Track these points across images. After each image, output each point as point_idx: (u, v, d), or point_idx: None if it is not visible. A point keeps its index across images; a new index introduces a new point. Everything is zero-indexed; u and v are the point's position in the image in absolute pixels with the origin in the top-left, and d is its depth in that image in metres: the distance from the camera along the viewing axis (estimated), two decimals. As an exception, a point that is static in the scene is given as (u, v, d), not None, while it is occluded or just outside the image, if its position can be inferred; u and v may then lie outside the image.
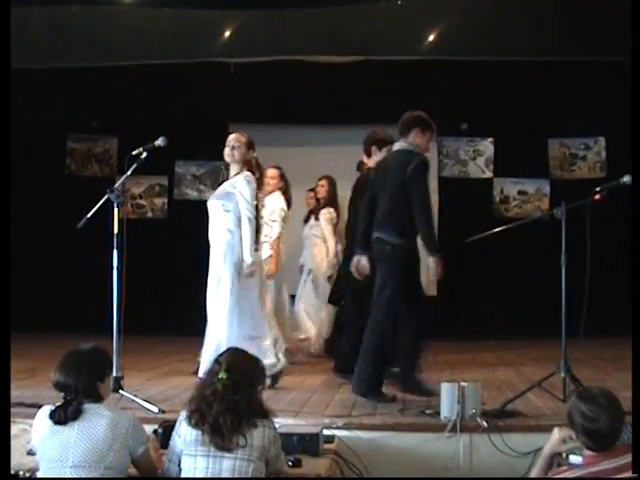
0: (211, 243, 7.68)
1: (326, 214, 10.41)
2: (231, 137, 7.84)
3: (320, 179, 10.84)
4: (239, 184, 7.60)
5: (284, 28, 10.01)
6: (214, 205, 7.67)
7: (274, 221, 9.33)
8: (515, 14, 9.73)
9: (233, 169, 7.80)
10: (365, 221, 7.45)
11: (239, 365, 4.59)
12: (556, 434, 4.66)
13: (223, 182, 7.98)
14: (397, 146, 7.65)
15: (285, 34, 10.05)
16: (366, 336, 7.14)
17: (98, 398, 4.61)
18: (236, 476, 4.43)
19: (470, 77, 11.72)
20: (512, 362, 9.85)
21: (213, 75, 11.88)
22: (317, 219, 10.61)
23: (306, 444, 5.36)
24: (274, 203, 9.45)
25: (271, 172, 9.62)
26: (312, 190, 11.21)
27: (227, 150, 7.75)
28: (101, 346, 4.97)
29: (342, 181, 13.08)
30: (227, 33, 10.14)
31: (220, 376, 4.52)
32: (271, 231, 9.27)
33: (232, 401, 4.47)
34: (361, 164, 9.04)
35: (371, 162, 8.38)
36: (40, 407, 4.76)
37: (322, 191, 10.64)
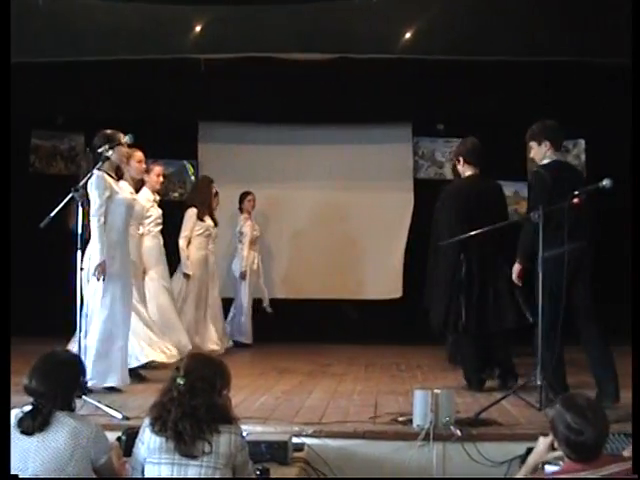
0: None
1: None
2: None
3: None
4: None
5: (256, 24, 9.96)
6: None
7: None
8: (493, 14, 9.72)
9: None
10: None
11: (197, 370, 4.57)
12: (541, 444, 4.62)
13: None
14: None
15: (257, 31, 10.00)
16: None
17: (71, 409, 4.59)
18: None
19: (447, 77, 11.73)
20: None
21: (182, 72, 11.84)
22: None
23: (274, 452, 5.36)
24: None
25: None
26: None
27: None
28: (76, 354, 4.94)
29: (309, 181, 13.17)
30: (197, 29, 10.08)
31: (178, 382, 4.51)
32: None
33: (190, 406, 4.46)
34: None
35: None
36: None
37: None
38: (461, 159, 8.40)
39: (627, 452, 4.81)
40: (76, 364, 4.84)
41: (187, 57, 10.89)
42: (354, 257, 13.26)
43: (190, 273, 10.70)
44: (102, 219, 7.62)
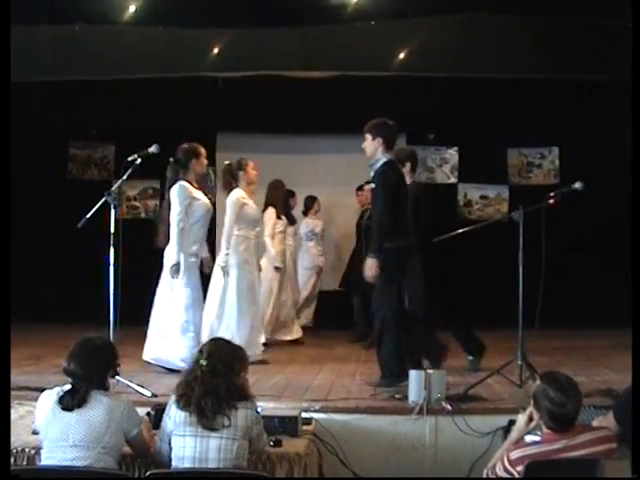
0: None
1: None
2: None
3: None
4: None
5: (268, 45, 9.98)
6: None
7: None
8: (478, 36, 9.75)
9: None
10: None
11: (218, 353, 4.62)
12: (521, 420, 4.66)
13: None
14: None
15: (269, 51, 10.02)
16: None
17: (105, 388, 4.62)
18: (222, 453, 4.46)
19: (437, 92, 11.73)
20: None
21: (202, 88, 11.87)
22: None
23: (286, 426, 5.37)
24: None
25: None
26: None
27: None
28: (109, 339, 4.95)
29: (315, 186, 13.17)
30: (215, 50, 10.11)
31: (201, 363, 4.55)
32: None
33: (212, 385, 4.50)
34: None
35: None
36: (44, 391, 4.75)
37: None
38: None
39: (596, 422, 4.87)
40: (109, 348, 4.86)
41: (206, 75, 10.91)
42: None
43: (281, 266, 10.60)
44: (181, 224, 7.67)
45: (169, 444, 4.60)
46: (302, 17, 9.71)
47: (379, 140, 7.25)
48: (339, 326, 11.91)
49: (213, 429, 4.46)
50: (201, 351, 4.66)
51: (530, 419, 4.55)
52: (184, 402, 4.53)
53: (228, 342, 4.85)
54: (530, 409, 4.56)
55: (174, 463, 4.53)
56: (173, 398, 4.63)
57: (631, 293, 5.07)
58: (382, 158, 7.22)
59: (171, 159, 8.02)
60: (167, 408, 4.66)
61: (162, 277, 7.87)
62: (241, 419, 4.52)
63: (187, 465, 4.46)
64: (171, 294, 7.82)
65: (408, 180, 7.69)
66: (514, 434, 4.67)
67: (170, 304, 7.82)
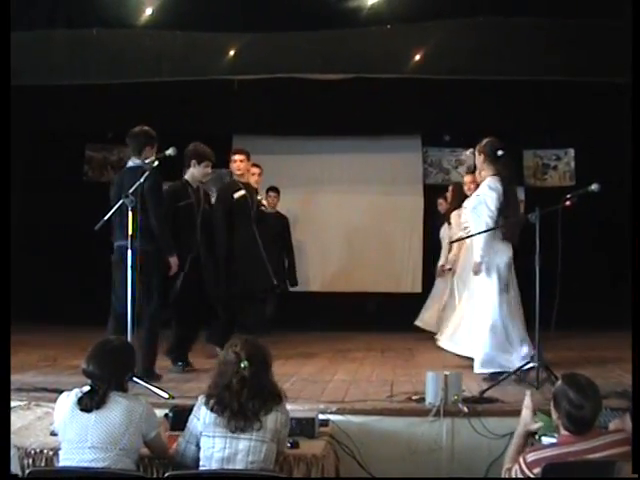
0: None
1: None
2: None
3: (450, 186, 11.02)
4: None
5: (283, 49, 9.98)
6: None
7: None
8: (493, 38, 9.73)
9: None
10: None
11: (257, 354, 4.59)
12: (525, 413, 4.73)
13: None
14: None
15: (284, 54, 10.02)
16: None
17: (124, 390, 4.63)
18: (250, 455, 4.45)
19: (452, 94, 11.73)
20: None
21: (219, 91, 11.89)
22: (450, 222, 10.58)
23: (303, 427, 5.39)
24: None
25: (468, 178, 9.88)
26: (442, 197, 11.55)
27: None
28: (128, 341, 4.95)
29: (331, 186, 13.21)
30: (231, 53, 10.11)
31: (243, 365, 4.50)
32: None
33: (259, 386, 4.50)
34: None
35: (187, 175, 8.37)
36: (61, 392, 4.77)
37: (451, 198, 10.72)
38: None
39: (612, 424, 4.86)
40: (128, 351, 4.88)
41: (222, 78, 10.91)
42: (374, 255, 13.27)
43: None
44: None
45: (196, 445, 4.60)
46: (317, 20, 9.70)
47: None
48: (354, 328, 11.93)
49: (244, 431, 4.46)
50: (235, 353, 4.58)
51: (533, 412, 4.64)
52: (215, 404, 4.52)
53: (257, 340, 4.77)
54: (531, 403, 4.70)
55: (202, 463, 4.53)
56: (203, 399, 4.62)
57: (631, 294, 5.04)
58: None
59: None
60: (195, 409, 4.65)
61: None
62: (271, 421, 4.52)
63: (215, 466, 4.46)
64: None
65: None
66: (520, 428, 4.72)
67: None
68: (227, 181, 10.27)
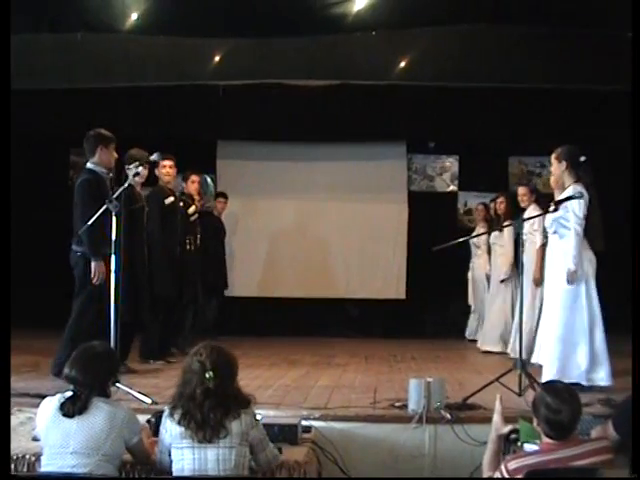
0: None
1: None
2: None
3: (499, 196, 10.91)
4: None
5: (269, 54, 9.99)
6: None
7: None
8: (478, 46, 9.76)
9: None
10: None
11: (222, 362, 4.53)
12: (496, 418, 4.81)
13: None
14: None
15: (269, 60, 10.04)
16: None
17: (107, 395, 4.62)
18: (221, 464, 4.42)
19: (437, 101, 11.77)
20: (474, 360, 9.88)
21: (204, 96, 11.89)
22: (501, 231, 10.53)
23: (286, 434, 5.37)
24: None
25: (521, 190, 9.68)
26: (484, 204, 11.72)
27: None
28: (111, 347, 4.93)
29: (316, 193, 13.22)
30: (217, 58, 10.11)
31: (208, 376, 4.44)
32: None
33: (223, 396, 4.45)
34: None
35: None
36: (44, 397, 4.75)
37: (502, 207, 10.64)
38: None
39: (595, 432, 4.88)
40: (111, 356, 4.86)
41: (207, 83, 10.92)
42: (358, 261, 13.28)
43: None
44: None
45: (169, 455, 4.57)
46: (303, 27, 9.72)
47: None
48: (337, 334, 11.95)
49: (210, 440, 4.42)
50: (200, 361, 4.51)
51: (503, 418, 4.73)
52: (180, 416, 4.46)
53: (223, 347, 4.67)
54: (500, 407, 4.79)
55: (175, 474, 4.50)
56: (167, 411, 4.58)
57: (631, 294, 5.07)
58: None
59: None
60: (162, 421, 4.60)
61: None
62: (236, 426, 4.46)
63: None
64: None
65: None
66: (492, 433, 4.76)
67: None
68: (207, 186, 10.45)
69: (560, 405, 4.26)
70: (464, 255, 11.51)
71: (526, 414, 5.01)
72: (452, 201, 13.56)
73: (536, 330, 8.15)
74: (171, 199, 9.26)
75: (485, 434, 5.76)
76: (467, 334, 12.05)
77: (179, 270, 9.32)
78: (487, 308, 10.97)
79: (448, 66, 9.98)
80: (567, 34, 9.51)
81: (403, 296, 12.98)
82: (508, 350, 9.78)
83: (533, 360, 7.93)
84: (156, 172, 9.18)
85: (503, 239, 10.50)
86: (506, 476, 4.25)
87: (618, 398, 5.99)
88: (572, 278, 7.16)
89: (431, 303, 13.02)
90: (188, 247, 9.66)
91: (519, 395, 6.55)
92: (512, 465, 4.27)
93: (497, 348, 10.35)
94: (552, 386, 4.46)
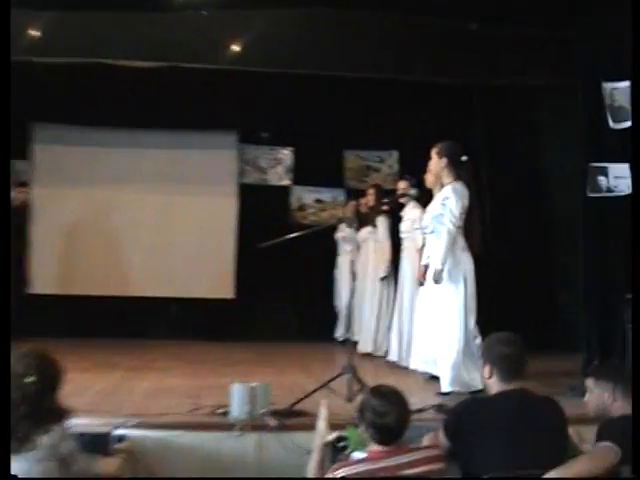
0: None
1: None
2: None
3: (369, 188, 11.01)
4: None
5: (88, 30, 9.72)
6: None
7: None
8: (316, 31, 9.80)
9: None
10: None
11: (46, 369, 4.42)
12: (320, 424, 4.97)
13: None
14: None
15: (89, 36, 9.76)
16: None
17: None
18: (25, 475, 4.25)
19: (272, 89, 11.77)
20: (302, 364, 9.93)
21: (17, 74, 11.46)
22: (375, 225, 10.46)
23: (97, 444, 5.26)
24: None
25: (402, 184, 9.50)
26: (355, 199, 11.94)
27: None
28: None
29: (139, 183, 13.05)
30: (32, 32, 9.78)
31: (28, 381, 4.32)
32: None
33: (38, 406, 4.31)
34: None
35: None
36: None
37: (371, 200, 10.55)
38: None
39: (426, 438, 4.96)
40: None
41: (21, 59, 10.56)
42: (182, 257, 13.09)
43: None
44: None
45: None
46: (129, 1, 9.52)
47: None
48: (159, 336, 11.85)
49: (17, 452, 4.26)
50: (25, 365, 4.38)
51: (329, 425, 4.84)
52: None
53: (48, 354, 4.57)
54: (326, 413, 4.98)
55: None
56: None
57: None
58: None
59: None
60: None
61: None
62: (45, 438, 4.33)
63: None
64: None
65: None
66: (317, 441, 4.85)
67: None
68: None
69: (386, 407, 4.34)
70: (299, 252, 11.41)
71: (355, 420, 5.05)
72: (285, 196, 13.58)
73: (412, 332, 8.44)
74: None
75: (312, 442, 5.80)
76: (338, 334, 12.19)
77: None
78: (359, 307, 11.06)
79: (284, 52, 9.99)
80: (408, 22, 9.65)
81: (231, 295, 12.92)
82: (379, 352, 10.00)
83: (412, 366, 8.13)
84: None
85: (378, 234, 10.51)
86: (332, 485, 4.27)
87: (451, 404, 6.13)
88: (437, 277, 7.40)
89: (262, 303, 12.97)
90: None
91: (348, 401, 6.62)
92: (340, 473, 4.30)
93: (369, 349, 10.49)
94: (378, 389, 4.53)
